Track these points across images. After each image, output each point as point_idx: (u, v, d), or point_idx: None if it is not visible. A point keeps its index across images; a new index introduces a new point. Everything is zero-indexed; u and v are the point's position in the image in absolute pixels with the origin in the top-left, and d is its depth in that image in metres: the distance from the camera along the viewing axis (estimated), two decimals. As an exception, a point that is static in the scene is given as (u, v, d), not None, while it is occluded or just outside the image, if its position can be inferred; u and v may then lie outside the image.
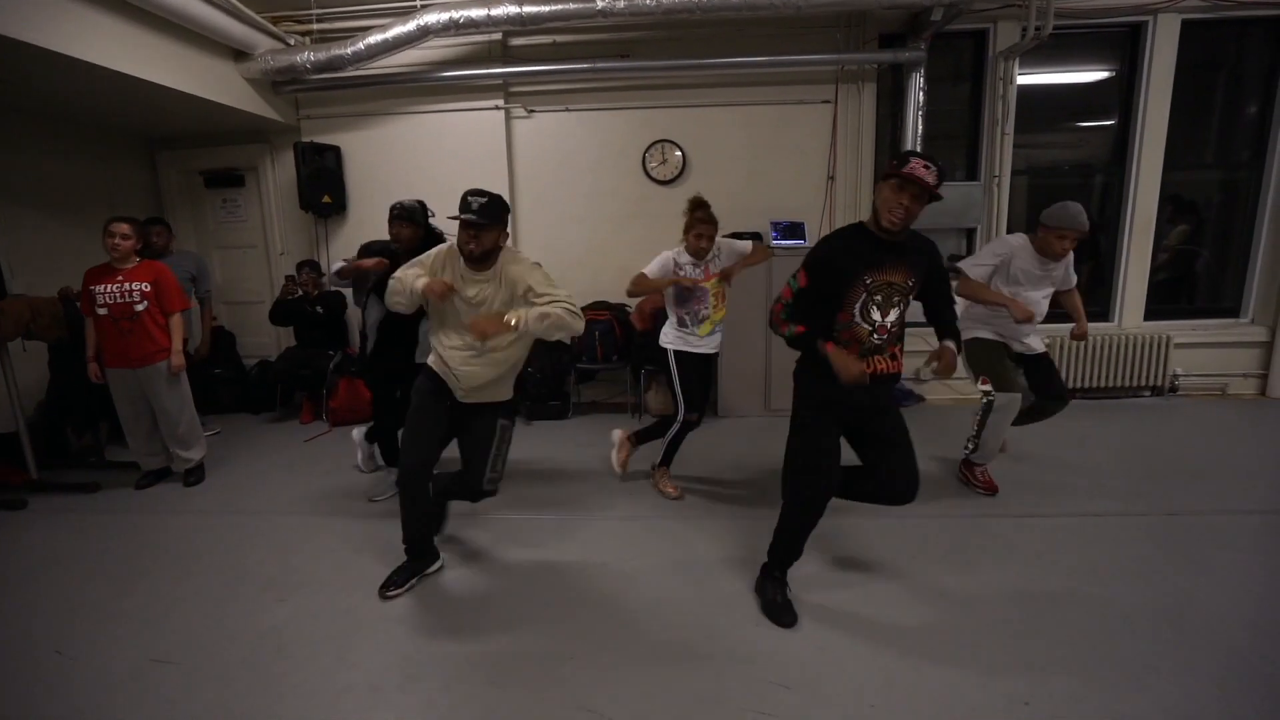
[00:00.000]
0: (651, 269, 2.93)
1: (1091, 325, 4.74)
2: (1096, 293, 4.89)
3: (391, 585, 2.31)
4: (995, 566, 2.38)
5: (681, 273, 2.92)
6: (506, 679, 1.86)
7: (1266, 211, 4.60)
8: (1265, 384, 4.66)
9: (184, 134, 4.82)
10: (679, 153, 4.62)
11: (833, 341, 1.97)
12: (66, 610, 2.27)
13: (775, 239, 4.36)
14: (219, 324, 5.08)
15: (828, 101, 4.51)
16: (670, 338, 3.00)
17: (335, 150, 4.63)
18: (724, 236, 3.07)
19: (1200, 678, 1.77)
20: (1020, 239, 2.98)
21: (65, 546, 2.77)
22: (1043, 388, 3.10)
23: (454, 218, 2.08)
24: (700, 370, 3.03)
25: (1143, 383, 4.65)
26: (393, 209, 3.03)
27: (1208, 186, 4.83)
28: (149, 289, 3.25)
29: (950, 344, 2.09)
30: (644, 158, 4.62)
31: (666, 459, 3.17)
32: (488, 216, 2.07)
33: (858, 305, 1.93)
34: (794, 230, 4.41)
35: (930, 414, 4.46)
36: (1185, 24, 4.36)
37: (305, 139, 4.62)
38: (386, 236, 3.07)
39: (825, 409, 2.04)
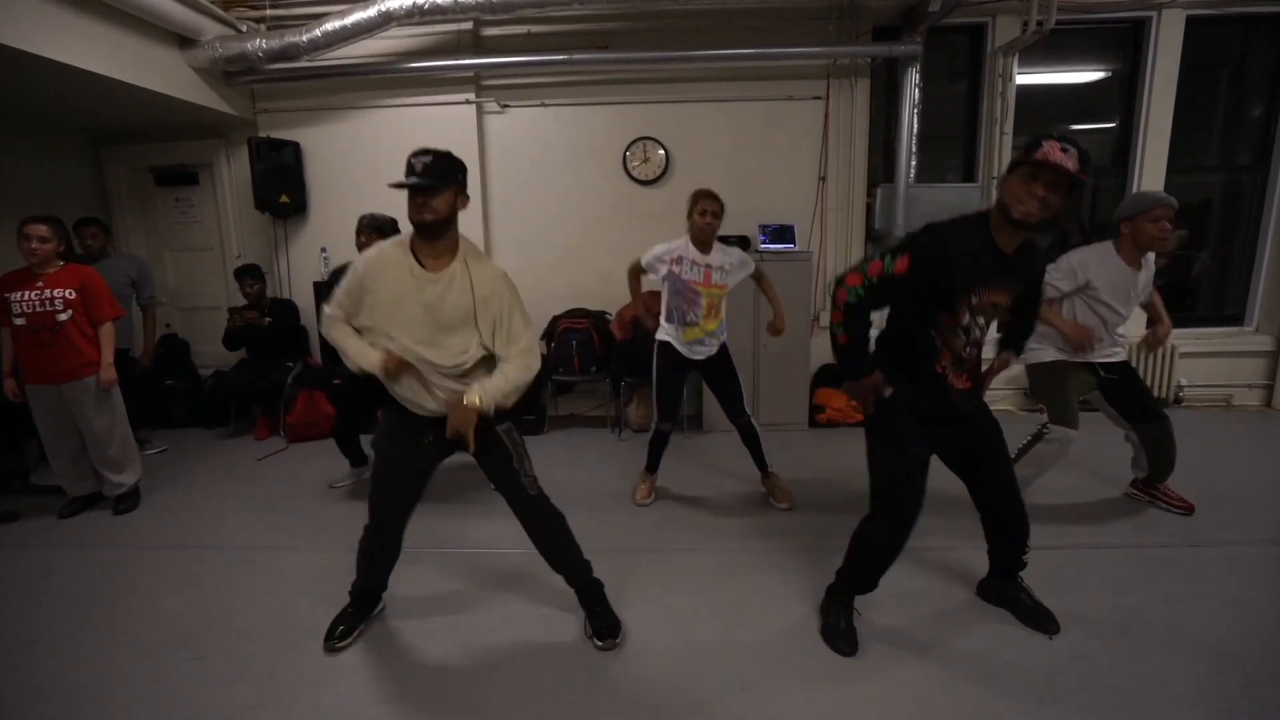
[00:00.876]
0: (648, 254, 2.83)
1: (1092, 334, 4.60)
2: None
3: (337, 636, 2.01)
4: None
5: (680, 269, 2.74)
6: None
7: (1272, 216, 4.43)
8: (1271, 395, 4.48)
9: (131, 128, 4.48)
10: (661, 151, 4.36)
11: (925, 340, 1.76)
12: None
13: (764, 242, 4.12)
14: (171, 331, 4.75)
15: (819, 98, 4.27)
16: (663, 329, 2.87)
17: (294, 146, 4.32)
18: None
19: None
20: (1097, 250, 2.60)
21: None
22: (1130, 407, 2.69)
23: (396, 185, 1.69)
24: (677, 371, 2.87)
25: (1145, 394, 4.45)
26: (362, 219, 2.87)
27: (1210, 189, 4.66)
28: (74, 296, 2.93)
29: (1008, 355, 2.04)
30: (625, 156, 4.36)
31: (651, 466, 3.05)
32: (436, 176, 1.69)
33: (965, 318, 1.72)
34: (783, 234, 4.17)
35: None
36: (1190, 20, 4.18)
37: (262, 134, 4.30)
38: (353, 245, 2.88)
39: (910, 419, 1.82)
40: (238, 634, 2.10)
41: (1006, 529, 1.99)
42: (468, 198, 1.83)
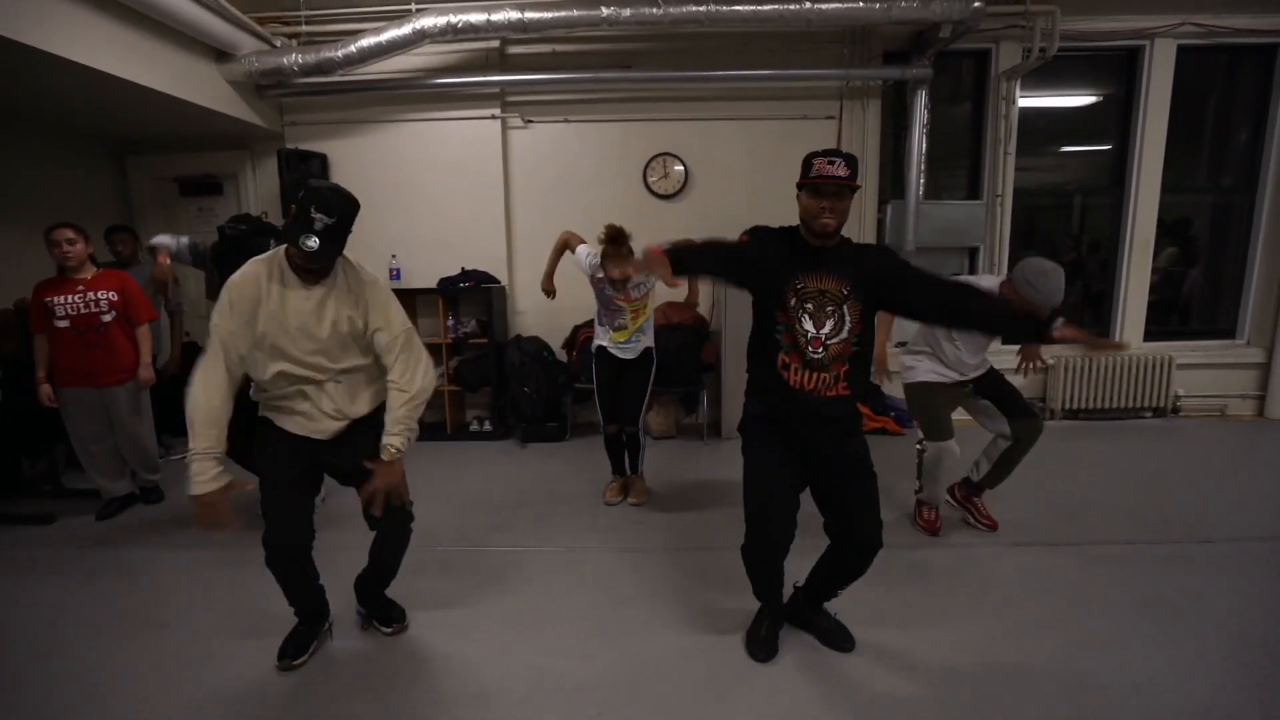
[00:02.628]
0: (579, 254, 2.96)
1: (1092, 346, 4.77)
2: (1090, 313, 4.90)
3: (288, 653, 1.95)
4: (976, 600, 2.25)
5: (600, 283, 2.92)
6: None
7: (1260, 235, 4.64)
8: (1263, 405, 4.67)
9: (158, 138, 4.55)
10: (680, 166, 4.50)
11: (770, 343, 1.82)
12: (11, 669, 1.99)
13: (780, 256, 4.25)
14: (191, 339, 4.78)
15: (832, 117, 4.44)
16: (598, 333, 3.07)
17: (321, 158, 4.41)
18: None
19: None
20: (989, 283, 2.68)
21: (18, 588, 2.47)
22: (1006, 401, 2.76)
23: (290, 246, 1.66)
24: (614, 374, 3.05)
25: (1144, 403, 4.63)
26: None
27: (1201, 209, 4.88)
28: (116, 298, 3.00)
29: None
30: (645, 171, 4.49)
31: (616, 469, 3.25)
32: (334, 245, 1.65)
33: (792, 306, 1.77)
34: (799, 247, 4.30)
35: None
36: (1180, 49, 4.41)
37: (289, 145, 4.39)
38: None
39: (771, 444, 1.86)
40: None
41: (841, 560, 1.92)
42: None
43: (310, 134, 4.47)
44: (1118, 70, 4.58)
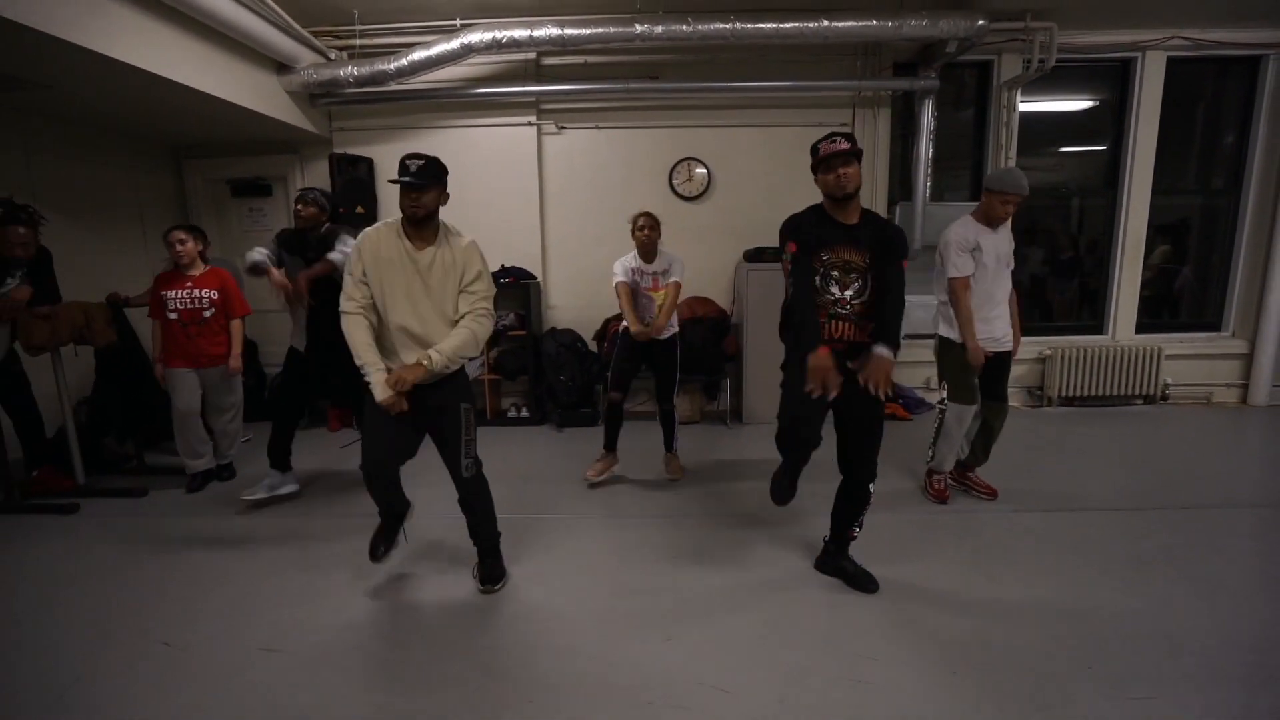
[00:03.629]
0: (618, 274, 3.24)
1: (1087, 338, 5.10)
2: (1086, 307, 5.23)
3: (378, 549, 2.33)
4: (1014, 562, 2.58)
5: (638, 277, 3.23)
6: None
7: (1245, 234, 4.97)
8: (1246, 393, 5.00)
9: (212, 143, 4.86)
10: (703, 170, 4.82)
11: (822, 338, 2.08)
12: (155, 607, 2.31)
13: (797, 253, 4.57)
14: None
15: (844, 125, 4.75)
16: (627, 322, 3.30)
17: (368, 162, 4.72)
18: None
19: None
20: (964, 222, 2.91)
21: (132, 547, 2.79)
22: (989, 387, 3.01)
23: (393, 181, 2.07)
24: (635, 354, 3.31)
25: (1135, 391, 4.95)
26: (300, 194, 3.16)
27: (1190, 210, 5.20)
28: (216, 296, 3.34)
29: (882, 351, 2.05)
30: (671, 175, 4.81)
31: (609, 444, 3.44)
32: (425, 177, 2.06)
33: (818, 277, 2.13)
34: (814, 245, 4.63)
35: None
36: (1170, 60, 4.73)
37: (338, 150, 4.70)
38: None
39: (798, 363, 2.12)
40: (394, 571, 2.47)
41: (849, 495, 2.30)
42: (448, 195, 2.18)
43: (357, 139, 4.78)
44: (1112, 78, 4.90)
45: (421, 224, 2.11)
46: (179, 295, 3.26)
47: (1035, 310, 5.26)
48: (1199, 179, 5.16)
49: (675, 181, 4.82)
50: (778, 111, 4.75)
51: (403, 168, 2.07)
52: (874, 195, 4.86)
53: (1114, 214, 5.03)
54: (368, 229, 2.15)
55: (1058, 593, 2.30)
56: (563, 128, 4.77)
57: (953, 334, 2.96)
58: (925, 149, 4.64)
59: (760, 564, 2.56)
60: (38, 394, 3.39)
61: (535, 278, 4.78)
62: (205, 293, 3.29)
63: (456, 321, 2.17)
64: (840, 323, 2.14)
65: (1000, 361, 3.02)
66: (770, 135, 4.78)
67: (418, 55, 4.12)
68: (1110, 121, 4.97)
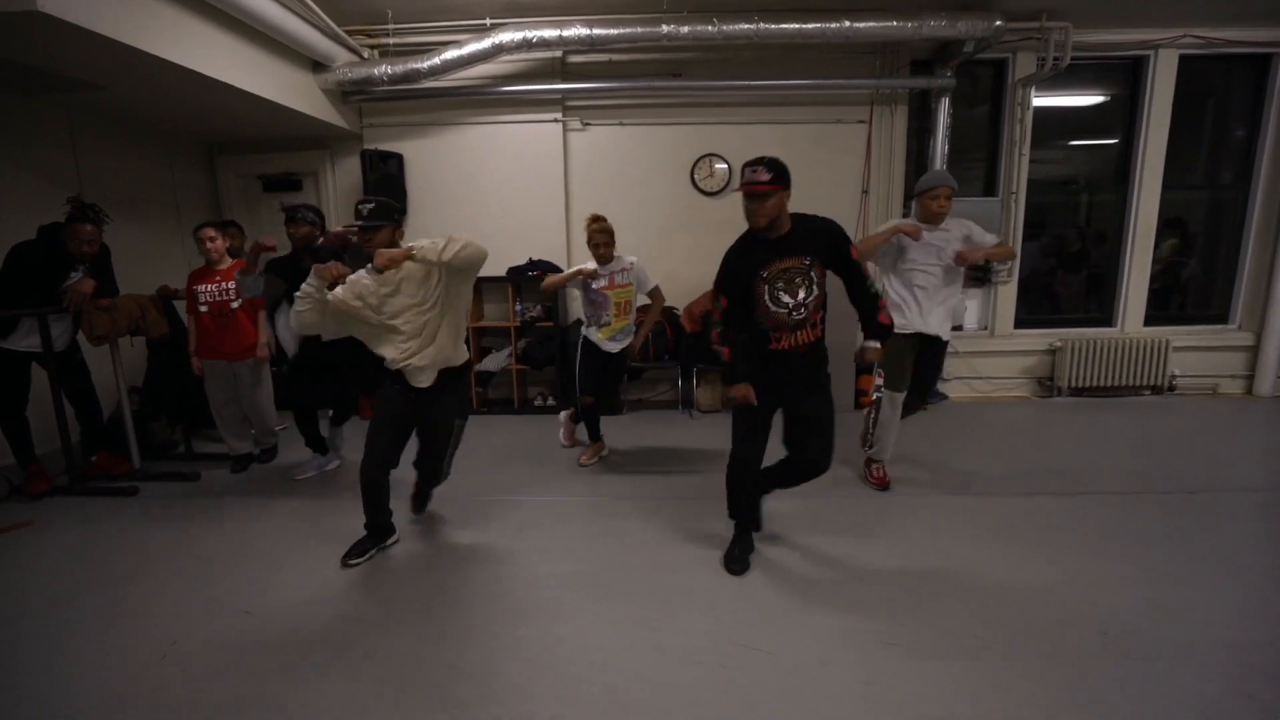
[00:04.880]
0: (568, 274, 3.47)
1: (1096, 330, 5.23)
2: (1092, 299, 5.35)
3: (351, 554, 2.57)
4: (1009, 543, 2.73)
5: (592, 281, 3.41)
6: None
7: (1252, 228, 5.08)
8: (1252, 384, 5.13)
9: (245, 139, 4.99)
10: (724, 166, 4.94)
11: (758, 335, 2.29)
12: (226, 579, 2.48)
13: (815, 248, 4.70)
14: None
15: (862, 122, 4.87)
16: (586, 331, 3.56)
17: (398, 158, 4.85)
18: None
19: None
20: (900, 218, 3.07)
21: (195, 525, 2.96)
22: (919, 381, 3.13)
23: (349, 227, 2.42)
24: (599, 363, 3.54)
25: (1143, 382, 5.09)
26: (287, 212, 3.37)
27: (1198, 205, 5.31)
28: None
29: (872, 345, 2.35)
30: (693, 170, 4.94)
31: (591, 435, 3.77)
32: (377, 219, 2.34)
33: (766, 297, 2.23)
34: (832, 240, 4.75)
35: (955, 411, 4.84)
36: (1182, 58, 4.83)
37: (369, 146, 4.83)
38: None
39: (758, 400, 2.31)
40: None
41: (796, 472, 2.47)
42: (402, 231, 2.48)
43: (386, 135, 4.90)
44: (1124, 75, 5.00)
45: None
46: (208, 289, 3.42)
47: (1044, 301, 5.40)
48: (1208, 173, 5.26)
49: (697, 177, 4.95)
50: (797, 109, 4.87)
51: (356, 212, 2.35)
52: (890, 192, 4.99)
53: (1124, 208, 5.14)
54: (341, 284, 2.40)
55: (1051, 570, 2.44)
56: (587, 124, 4.89)
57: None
58: (941, 146, 4.76)
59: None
60: (95, 382, 3.54)
61: (561, 271, 4.91)
62: (232, 285, 3.44)
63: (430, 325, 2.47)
64: (799, 332, 2.27)
65: (933, 355, 3.12)
66: (790, 132, 4.89)
67: (450, 54, 4.24)
68: (1121, 117, 5.07)
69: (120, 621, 2.21)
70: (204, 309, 3.45)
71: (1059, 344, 5.08)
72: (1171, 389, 5.12)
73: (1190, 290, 5.45)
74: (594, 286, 3.42)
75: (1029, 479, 3.35)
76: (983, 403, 5.11)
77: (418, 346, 2.46)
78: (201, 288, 3.45)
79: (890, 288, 3.10)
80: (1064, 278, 5.43)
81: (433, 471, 2.79)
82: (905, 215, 5.07)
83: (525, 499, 3.22)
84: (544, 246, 4.92)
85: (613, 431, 4.21)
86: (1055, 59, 4.48)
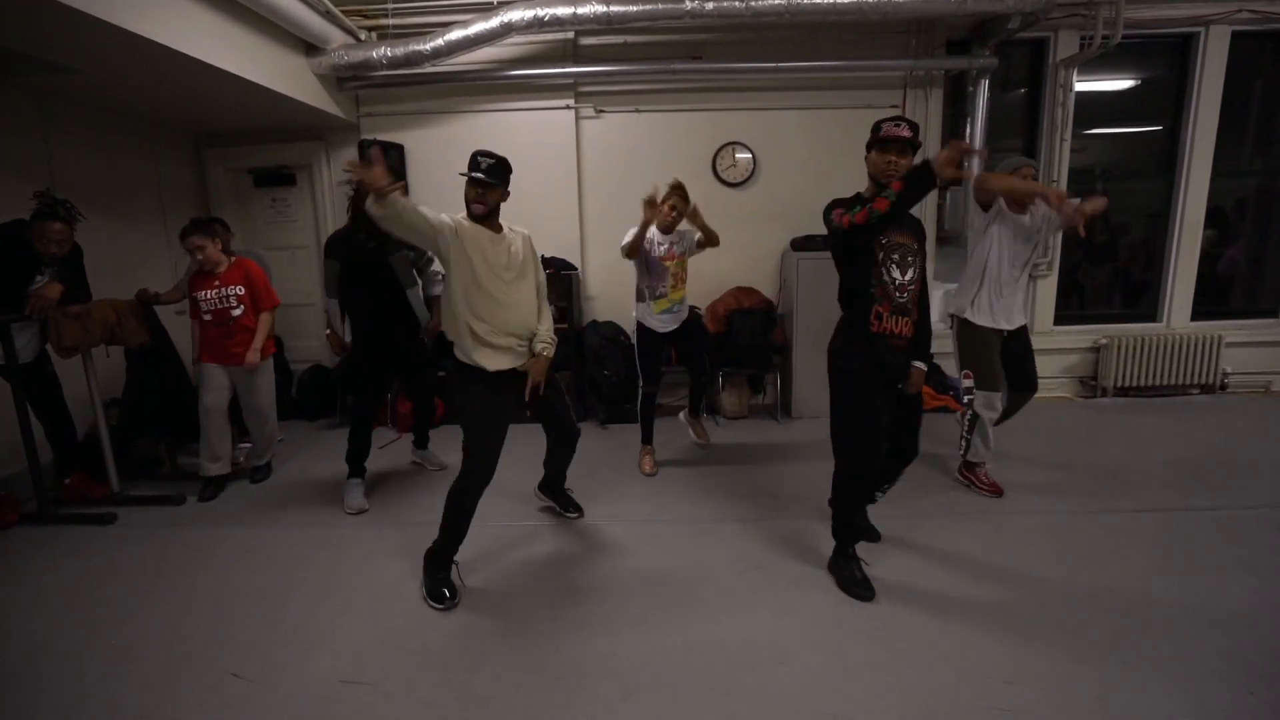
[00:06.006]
0: (628, 235, 3.12)
1: (1141, 326, 4.94)
2: (1136, 294, 5.06)
3: (440, 597, 2.23)
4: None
5: (648, 247, 3.19)
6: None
7: (1305, 216, 4.80)
8: (1307, 381, 4.86)
9: (234, 130, 4.65)
10: (748, 155, 4.62)
11: (864, 298, 2.14)
12: (216, 633, 2.15)
13: (847, 241, 4.38)
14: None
15: (895, 106, 4.56)
16: (638, 310, 3.36)
17: (399, 149, 4.51)
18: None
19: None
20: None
21: (174, 563, 2.62)
22: (1015, 374, 3.00)
23: (464, 174, 2.21)
24: (655, 346, 3.40)
25: (1191, 381, 4.80)
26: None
27: (1244, 192, 5.02)
28: (244, 292, 3.19)
29: (920, 365, 2.25)
30: (714, 160, 4.61)
31: (646, 437, 3.56)
32: (495, 176, 2.22)
33: (881, 263, 2.11)
34: (865, 233, 4.44)
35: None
36: (1234, 35, 4.53)
37: (366, 136, 4.49)
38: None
39: (865, 374, 2.15)
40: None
41: (895, 462, 2.42)
42: (508, 193, 2.34)
43: (385, 125, 4.57)
44: (1171, 56, 4.70)
45: (485, 220, 2.27)
46: (209, 296, 3.14)
47: (1074, 298, 5.08)
48: (1256, 159, 4.97)
49: (720, 167, 4.62)
50: (825, 93, 4.55)
51: (474, 163, 2.21)
52: (925, 180, 4.67)
53: (1170, 197, 4.85)
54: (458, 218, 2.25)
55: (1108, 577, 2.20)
56: (601, 111, 4.56)
57: (970, 313, 2.93)
58: (981, 132, 4.45)
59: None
60: (67, 396, 3.21)
61: (576, 268, 4.59)
62: (231, 289, 3.15)
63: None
64: (900, 318, 2.15)
65: (1023, 346, 2.99)
66: (818, 118, 4.58)
67: (455, 35, 3.91)
68: (1167, 98, 4.77)
69: (91, 687, 1.88)
70: (208, 317, 3.17)
71: (1104, 341, 4.78)
72: (1223, 388, 4.83)
73: (1228, 282, 5.16)
74: (655, 255, 3.21)
75: (1149, 488, 3.08)
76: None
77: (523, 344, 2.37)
78: (202, 294, 3.17)
79: (981, 276, 2.92)
80: (1088, 271, 5.10)
81: (572, 434, 2.68)
82: (941, 205, 4.83)
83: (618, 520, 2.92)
84: (556, 242, 4.59)
85: (637, 438, 3.92)
86: (1104, 37, 4.18)
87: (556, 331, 4.43)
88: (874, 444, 2.18)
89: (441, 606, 2.20)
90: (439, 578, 2.26)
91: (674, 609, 2.19)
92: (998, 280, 2.88)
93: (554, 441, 2.70)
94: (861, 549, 2.36)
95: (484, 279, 2.21)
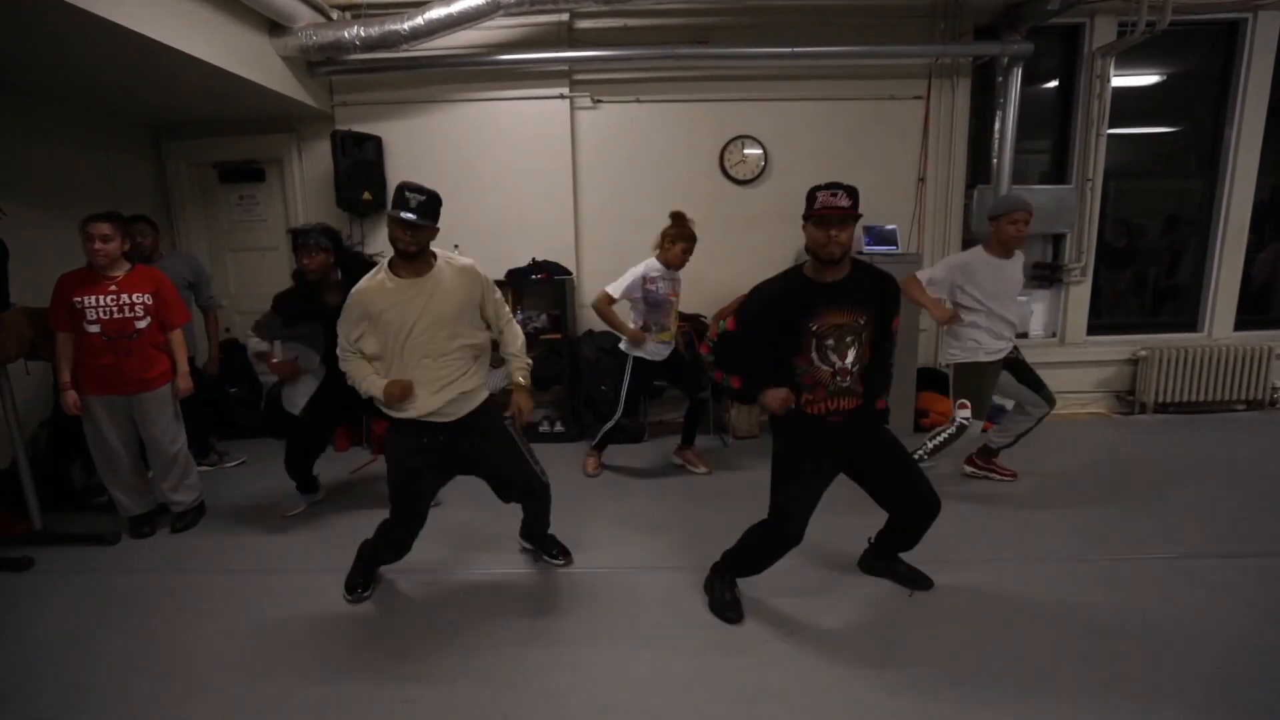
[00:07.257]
0: (619, 286, 3.13)
1: (1181, 337, 4.58)
2: (1156, 298, 4.70)
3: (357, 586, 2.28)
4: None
5: (653, 286, 3.15)
6: None
7: (1358, 219, 4.45)
8: (1358, 397, 4.49)
9: (197, 121, 4.23)
10: (759, 150, 4.24)
11: (790, 387, 1.95)
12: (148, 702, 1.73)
13: (867, 244, 4.01)
14: (231, 336, 4.49)
15: (919, 97, 4.19)
16: (629, 346, 3.26)
17: (376, 141, 4.11)
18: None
19: None
20: (973, 252, 2.99)
21: (91, 618, 2.21)
22: (1033, 379, 3.07)
23: (391, 213, 1.91)
24: (650, 376, 3.39)
25: (1237, 396, 4.44)
26: (297, 236, 2.72)
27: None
28: (151, 302, 2.70)
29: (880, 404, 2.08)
30: (723, 155, 4.23)
31: (599, 447, 3.53)
32: (428, 216, 1.96)
33: (813, 351, 1.92)
34: (886, 237, 4.07)
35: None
36: (1282, 23, 4.19)
37: (340, 127, 4.09)
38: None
39: (805, 456, 2.00)
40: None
41: (913, 522, 2.13)
42: (438, 229, 2.03)
43: (362, 115, 4.17)
44: (1213, 45, 4.35)
45: (412, 260, 2.00)
46: (101, 302, 2.59)
47: (1099, 305, 4.68)
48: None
49: (728, 163, 4.24)
50: (843, 83, 4.18)
51: (401, 199, 1.93)
52: (950, 177, 4.31)
53: (1212, 197, 4.50)
54: (354, 290, 2.04)
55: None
56: (599, 101, 4.17)
57: (964, 355, 3.00)
58: (1012, 124, 4.09)
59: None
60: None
61: (570, 273, 4.19)
62: (137, 297, 2.65)
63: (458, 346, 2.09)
64: (840, 399, 1.96)
65: (1020, 362, 3.09)
66: (834, 110, 4.21)
67: (436, 13, 3.51)
68: (1211, 93, 4.41)
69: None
70: (94, 329, 2.60)
71: (1144, 353, 4.41)
72: (1273, 403, 4.46)
73: (1273, 287, 4.79)
74: (661, 293, 3.17)
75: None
76: (1050, 421, 4.41)
77: (449, 387, 2.09)
78: (89, 299, 2.59)
79: (975, 321, 2.97)
80: (1106, 276, 4.70)
81: (536, 489, 2.32)
82: (967, 204, 4.44)
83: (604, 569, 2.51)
84: (549, 245, 4.20)
85: (636, 458, 3.52)
86: (1150, 22, 3.81)
87: (547, 342, 4.08)
88: (793, 506, 1.98)
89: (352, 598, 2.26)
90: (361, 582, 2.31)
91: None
92: (991, 313, 2.94)
93: (514, 499, 2.34)
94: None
95: (402, 346, 2.02)
